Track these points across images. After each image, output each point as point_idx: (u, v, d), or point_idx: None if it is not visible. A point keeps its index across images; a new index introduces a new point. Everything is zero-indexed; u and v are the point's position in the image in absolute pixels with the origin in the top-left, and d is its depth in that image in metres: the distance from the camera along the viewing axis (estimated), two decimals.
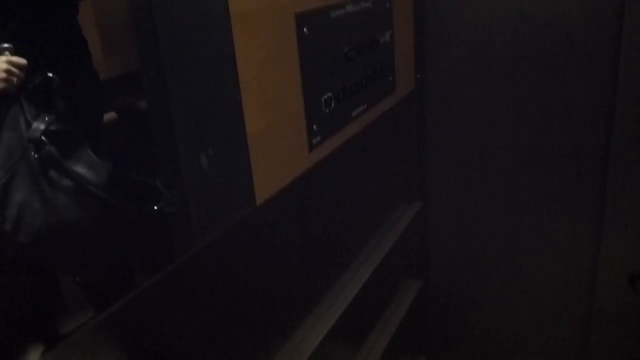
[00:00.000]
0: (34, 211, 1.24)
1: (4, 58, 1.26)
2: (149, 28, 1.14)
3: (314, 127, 1.36)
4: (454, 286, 2.42)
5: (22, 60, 1.27)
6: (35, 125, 1.25)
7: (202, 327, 1.15)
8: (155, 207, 1.31)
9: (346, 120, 1.53)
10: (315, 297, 1.61)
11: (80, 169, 1.32)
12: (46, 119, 1.27)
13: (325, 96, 1.40)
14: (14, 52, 1.26)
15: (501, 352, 2.44)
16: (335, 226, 1.67)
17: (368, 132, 1.67)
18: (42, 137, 1.23)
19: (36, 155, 1.23)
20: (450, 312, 2.49)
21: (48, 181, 1.26)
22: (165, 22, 1.07)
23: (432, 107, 2.16)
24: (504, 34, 1.92)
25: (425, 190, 2.29)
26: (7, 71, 1.26)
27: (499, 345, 2.43)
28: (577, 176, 2.00)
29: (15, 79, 1.27)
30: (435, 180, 2.26)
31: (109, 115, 2.28)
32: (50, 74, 1.33)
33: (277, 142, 1.24)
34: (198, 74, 1.14)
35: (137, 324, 0.99)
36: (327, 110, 1.41)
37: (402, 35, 1.84)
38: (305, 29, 1.28)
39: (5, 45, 1.30)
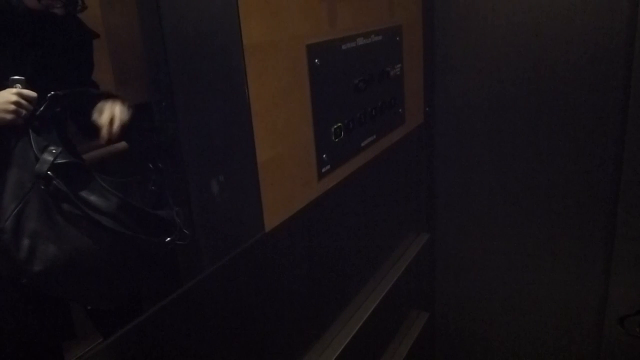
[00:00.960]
0: (47, 241, 1.26)
1: (14, 90, 1.30)
2: (162, 59, 1.17)
3: (324, 156, 1.38)
4: (461, 319, 2.40)
5: (32, 94, 1.30)
6: (42, 158, 1.27)
7: (207, 354, 1.15)
8: (168, 239, 1.33)
9: (355, 150, 1.55)
10: (322, 326, 1.60)
11: (90, 200, 1.34)
12: (53, 150, 1.29)
13: (335, 126, 1.42)
14: (26, 85, 1.31)
15: None
16: (343, 255, 1.67)
17: (377, 162, 1.68)
18: (49, 172, 1.25)
19: (45, 189, 1.25)
20: (457, 345, 2.47)
21: (60, 212, 1.28)
22: (178, 52, 1.10)
23: (441, 140, 2.17)
24: (514, 69, 1.94)
25: (433, 222, 2.29)
26: (17, 103, 1.29)
27: None
28: (586, 215, 2.00)
29: (23, 111, 1.31)
30: (444, 212, 2.27)
31: (121, 145, 2.31)
32: (55, 93, 1.36)
33: (287, 170, 1.26)
34: (210, 103, 1.17)
35: (144, 349, 1.00)
36: (336, 140, 1.43)
37: (412, 68, 1.87)
38: (316, 60, 1.31)
39: (17, 77, 1.33)
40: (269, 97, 1.17)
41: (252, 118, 1.13)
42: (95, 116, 1.39)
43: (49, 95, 1.34)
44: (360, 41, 1.51)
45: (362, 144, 1.58)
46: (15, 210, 1.24)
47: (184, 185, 1.25)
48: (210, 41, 1.10)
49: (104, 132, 1.34)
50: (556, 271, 2.13)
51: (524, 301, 2.23)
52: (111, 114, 1.38)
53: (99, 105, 1.41)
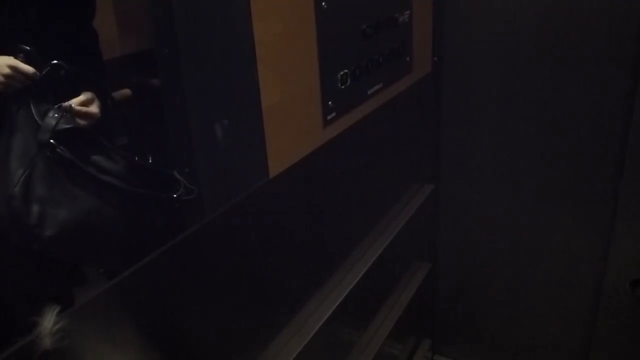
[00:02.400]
0: (57, 205, 1.26)
1: (11, 62, 1.28)
2: (165, 5, 1.15)
3: (329, 103, 1.37)
4: (463, 270, 2.43)
5: (29, 69, 1.29)
6: (44, 124, 1.27)
7: (210, 297, 1.16)
8: (175, 196, 1.33)
9: (362, 98, 1.53)
10: (323, 274, 1.62)
11: (96, 162, 1.34)
12: (55, 115, 1.28)
13: (342, 72, 1.40)
14: (28, 56, 1.29)
15: (506, 337, 2.45)
16: (347, 204, 1.67)
17: (383, 111, 1.67)
18: (51, 140, 1.25)
19: (50, 156, 1.25)
20: (457, 296, 2.50)
21: (67, 176, 1.28)
22: None
23: (448, 90, 2.15)
24: (524, 19, 1.90)
25: (438, 173, 2.29)
26: (8, 76, 1.28)
27: (505, 330, 2.44)
28: (592, 167, 1.99)
29: (17, 85, 1.29)
30: (449, 163, 2.26)
31: (124, 92, 2.30)
32: (57, 62, 1.36)
33: (292, 116, 1.25)
34: (214, 48, 1.15)
35: (149, 291, 1.01)
36: (342, 87, 1.42)
37: (421, 16, 1.83)
38: (323, 3, 1.28)
39: (24, 47, 1.31)
40: (274, 41, 1.15)
41: (257, 63, 1.11)
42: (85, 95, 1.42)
43: (51, 63, 1.34)
44: None
45: (369, 92, 1.56)
46: (23, 177, 1.24)
47: (188, 132, 1.25)
48: None
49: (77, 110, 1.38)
50: (560, 223, 2.13)
51: (527, 254, 2.25)
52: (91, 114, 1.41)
53: (94, 102, 1.44)
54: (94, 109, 1.44)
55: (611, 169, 1.95)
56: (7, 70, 1.27)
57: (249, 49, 1.09)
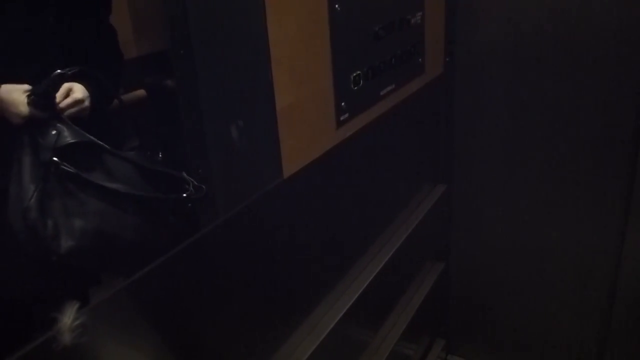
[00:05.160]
0: (72, 215, 1.29)
1: (22, 110, 1.32)
2: (180, 6, 1.16)
3: (342, 104, 1.38)
4: (476, 270, 2.42)
5: (42, 115, 1.33)
6: (44, 142, 1.29)
7: (223, 297, 1.17)
8: (185, 195, 1.35)
9: (374, 99, 1.54)
10: (336, 274, 1.63)
11: (103, 171, 1.36)
12: (53, 132, 1.31)
13: (354, 74, 1.41)
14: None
15: (520, 337, 2.45)
16: (360, 204, 1.68)
17: (396, 112, 1.67)
18: (54, 158, 1.27)
19: (56, 172, 1.27)
20: (471, 296, 2.50)
21: (78, 187, 1.30)
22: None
23: (460, 91, 2.15)
24: (536, 20, 1.90)
25: (450, 173, 2.29)
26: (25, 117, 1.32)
27: (518, 330, 2.44)
28: (605, 167, 1.99)
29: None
30: (461, 163, 2.26)
31: (138, 93, 2.32)
32: (59, 72, 1.38)
33: (306, 117, 1.26)
34: (229, 49, 1.16)
35: (164, 290, 1.02)
36: (355, 88, 1.43)
37: (434, 17, 1.84)
38: (337, 6, 1.29)
39: (36, 90, 1.34)
40: (289, 42, 1.16)
41: (272, 64, 1.12)
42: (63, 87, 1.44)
43: (53, 74, 1.36)
44: None
45: (381, 93, 1.57)
46: (36, 192, 1.27)
47: (202, 132, 1.26)
48: None
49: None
50: (573, 224, 2.12)
51: (540, 254, 2.24)
52: (73, 104, 1.43)
53: (74, 85, 1.46)
54: (77, 94, 1.44)
55: (623, 170, 1.94)
56: (19, 120, 1.32)
57: (263, 50, 1.10)
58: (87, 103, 1.46)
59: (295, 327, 1.45)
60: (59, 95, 1.39)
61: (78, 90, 1.44)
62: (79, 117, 1.43)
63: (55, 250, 1.27)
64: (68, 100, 1.40)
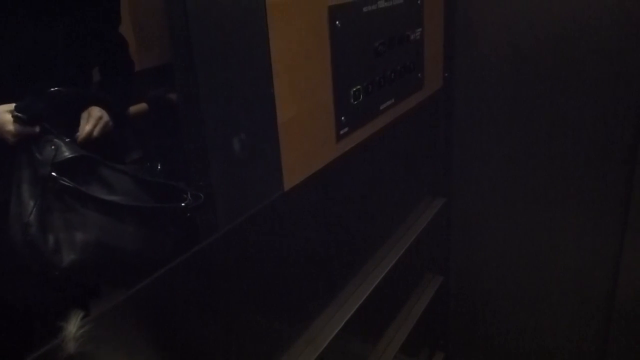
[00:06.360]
0: (72, 230, 1.29)
1: (11, 129, 1.34)
2: (182, 20, 1.17)
3: (342, 118, 1.40)
4: (476, 283, 2.43)
5: (31, 131, 1.35)
6: (42, 157, 1.31)
7: (224, 308, 1.18)
8: (183, 204, 1.36)
9: (374, 113, 1.56)
10: (336, 287, 1.63)
11: (102, 184, 1.38)
12: (52, 147, 1.32)
13: (354, 88, 1.43)
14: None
15: (520, 350, 2.45)
16: (360, 217, 1.70)
17: (395, 126, 1.69)
18: (53, 173, 1.28)
19: (54, 187, 1.28)
20: (470, 309, 2.51)
21: (77, 201, 1.31)
22: (199, 12, 1.10)
23: (459, 105, 2.17)
24: (535, 35, 1.93)
25: (450, 187, 2.31)
26: (15, 135, 1.35)
27: (518, 342, 2.44)
28: (603, 179, 2.00)
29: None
30: (460, 177, 2.28)
31: (140, 106, 2.34)
32: (56, 89, 1.41)
33: (306, 131, 1.28)
34: (231, 63, 1.18)
35: (165, 301, 1.03)
36: (355, 103, 1.45)
37: (432, 33, 1.86)
38: (337, 22, 1.31)
39: (19, 106, 1.35)
40: (290, 57, 1.18)
41: (274, 79, 1.14)
42: (83, 116, 1.47)
43: (49, 91, 1.39)
44: (382, 4, 1.51)
45: (381, 108, 1.59)
46: (36, 206, 1.28)
47: (204, 145, 1.28)
48: (232, 1, 1.11)
49: (82, 136, 1.48)
50: (572, 236, 2.14)
51: (540, 266, 2.25)
52: (96, 123, 1.47)
53: (92, 110, 1.49)
54: (95, 113, 1.52)
55: (623, 180, 1.96)
56: (13, 140, 1.34)
57: (265, 65, 1.12)
58: (106, 117, 1.53)
59: (294, 339, 1.46)
60: (85, 132, 1.48)
61: (94, 110, 1.50)
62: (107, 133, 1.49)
63: (57, 265, 1.27)
64: (97, 127, 1.48)
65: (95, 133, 1.50)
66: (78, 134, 1.49)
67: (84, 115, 1.51)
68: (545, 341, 2.37)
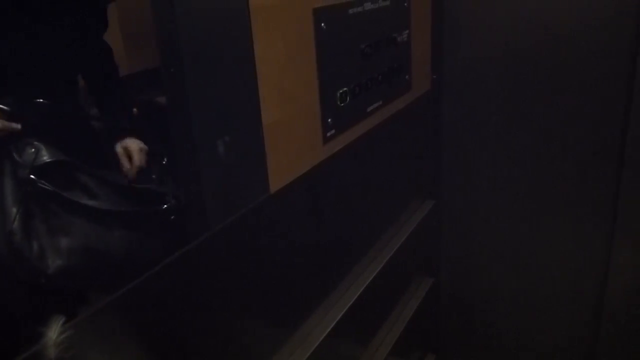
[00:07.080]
0: (57, 235, 1.28)
1: None
2: (170, 24, 1.17)
3: (329, 120, 1.40)
4: (466, 284, 2.44)
5: (15, 127, 1.34)
6: (22, 161, 1.30)
7: (213, 310, 1.18)
8: (165, 206, 1.36)
9: (361, 115, 1.56)
10: (324, 290, 1.63)
11: (83, 189, 1.37)
12: (31, 150, 1.31)
13: (341, 91, 1.43)
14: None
15: (510, 352, 2.46)
16: (348, 220, 1.69)
17: (383, 128, 1.69)
18: (32, 176, 1.27)
19: (33, 190, 1.28)
20: (461, 311, 2.51)
21: (60, 206, 1.30)
22: (186, 16, 1.10)
23: (447, 107, 2.18)
24: (522, 36, 1.94)
25: (438, 189, 2.31)
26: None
27: (509, 344, 2.44)
28: (591, 181, 2.01)
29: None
30: (449, 179, 2.28)
31: None
32: (40, 101, 1.41)
33: (292, 133, 1.27)
34: (217, 66, 1.18)
35: (151, 303, 1.02)
36: (342, 105, 1.44)
37: (420, 34, 1.87)
38: (323, 24, 1.31)
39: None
40: (275, 60, 1.18)
41: (258, 81, 1.14)
42: (119, 151, 1.57)
43: (34, 101, 1.38)
44: (368, 6, 1.51)
45: (368, 110, 1.59)
46: (18, 213, 1.27)
47: (192, 148, 1.27)
48: (217, 4, 1.10)
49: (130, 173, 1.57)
50: (562, 236, 2.14)
51: (529, 267, 2.26)
52: (138, 160, 1.57)
53: (129, 144, 1.55)
54: (133, 146, 1.62)
55: (612, 183, 1.96)
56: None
57: (250, 68, 1.12)
58: (143, 146, 1.62)
59: (284, 340, 1.46)
60: (136, 167, 1.59)
61: (132, 143, 1.60)
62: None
63: (44, 271, 1.26)
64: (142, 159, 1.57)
65: (142, 164, 1.58)
66: (127, 168, 1.59)
67: (120, 149, 1.59)
68: (536, 341, 2.37)
